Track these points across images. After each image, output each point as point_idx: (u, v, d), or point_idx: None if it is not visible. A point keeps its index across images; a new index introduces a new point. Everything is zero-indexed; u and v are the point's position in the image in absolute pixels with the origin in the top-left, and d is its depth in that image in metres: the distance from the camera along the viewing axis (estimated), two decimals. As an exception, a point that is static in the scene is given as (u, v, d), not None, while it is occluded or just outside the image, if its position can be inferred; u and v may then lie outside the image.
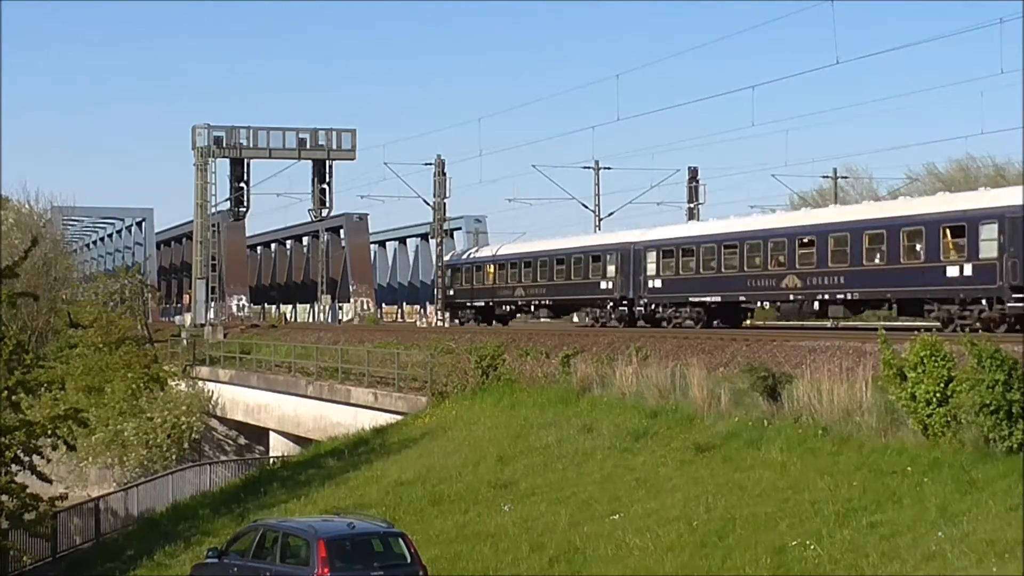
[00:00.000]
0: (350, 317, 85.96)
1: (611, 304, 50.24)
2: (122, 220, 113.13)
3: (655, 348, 33.44)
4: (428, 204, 76.31)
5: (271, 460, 41.11)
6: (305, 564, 18.99)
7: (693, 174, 77.92)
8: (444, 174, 74.48)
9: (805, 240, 40.43)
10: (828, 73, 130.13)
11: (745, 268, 42.90)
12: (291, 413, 46.98)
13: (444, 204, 75.59)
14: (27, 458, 26.83)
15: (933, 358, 20.12)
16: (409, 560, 19.24)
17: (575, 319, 60.84)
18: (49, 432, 26.87)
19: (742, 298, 43.94)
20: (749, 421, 24.54)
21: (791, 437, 22.99)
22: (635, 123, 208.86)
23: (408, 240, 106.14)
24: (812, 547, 17.50)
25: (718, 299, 44.23)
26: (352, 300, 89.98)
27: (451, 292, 65.98)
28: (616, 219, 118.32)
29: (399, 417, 36.66)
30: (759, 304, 45.35)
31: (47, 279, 62.86)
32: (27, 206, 72.36)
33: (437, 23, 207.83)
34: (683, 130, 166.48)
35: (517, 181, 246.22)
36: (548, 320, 55.21)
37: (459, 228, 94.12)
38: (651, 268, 47.51)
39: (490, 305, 61.20)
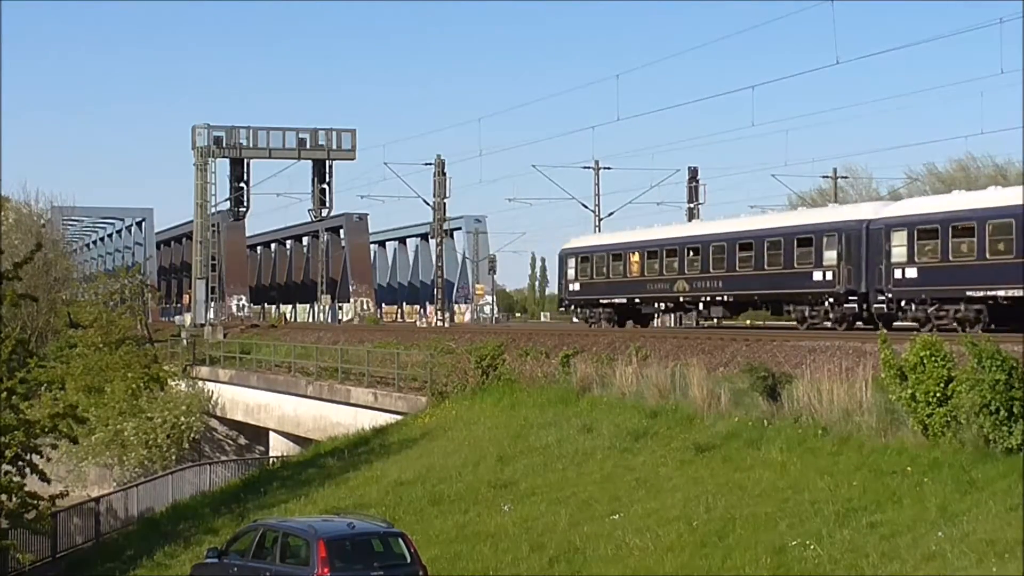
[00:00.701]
0: (350, 317, 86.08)
1: (830, 300, 38.90)
2: (122, 220, 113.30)
3: (655, 348, 33.45)
4: (428, 204, 76.48)
5: (271, 460, 41.12)
6: (305, 564, 18.99)
7: (693, 174, 77.94)
8: (444, 174, 74.59)
9: None
10: (828, 73, 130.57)
11: None
12: (291, 413, 46.98)
13: (444, 204, 75.72)
14: (27, 456, 26.80)
15: (933, 358, 20.11)
16: (409, 560, 19.25)
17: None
18: (47, 429, 26.83)
19: None
20: (749, 421, 24.53)
21: (791, 437, 22.99)
22: (635, 123, 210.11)
23: (408, 240, 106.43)
24: (812, 547, 17.51)
25: (1019, 293, 32.53)
26: (352, 300, 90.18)
27: (575, 287, 52.57)
28: (616, 219, 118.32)
29: (399, 417, 36.66)
30: None
31: (47, 279, 62.83)
32: (27, 206, 72.33)
33: (437, 23, 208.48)
34: (683, 130, 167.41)
35: (517, 181, 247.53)
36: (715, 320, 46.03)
37: (459, 228, 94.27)
38: (899, 253, 36.21)
39: (634, 302, 49.06)
